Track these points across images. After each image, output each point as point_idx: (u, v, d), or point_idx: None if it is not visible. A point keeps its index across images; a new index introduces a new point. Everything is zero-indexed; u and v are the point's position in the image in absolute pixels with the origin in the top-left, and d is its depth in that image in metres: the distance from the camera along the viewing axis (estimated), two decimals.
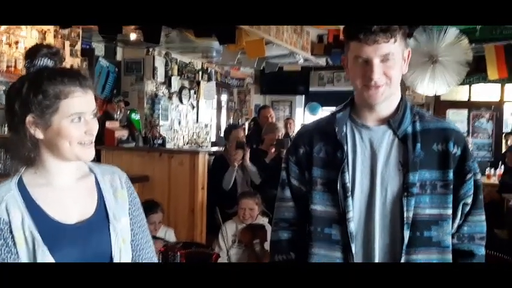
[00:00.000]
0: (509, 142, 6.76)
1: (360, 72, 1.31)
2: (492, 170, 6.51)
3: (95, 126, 1.22)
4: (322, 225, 1.39)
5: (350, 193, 1.35)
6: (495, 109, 8.39)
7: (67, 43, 5.35)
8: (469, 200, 1.37)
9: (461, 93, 8.40)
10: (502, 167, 6.25)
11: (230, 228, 3.52)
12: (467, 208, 1.37)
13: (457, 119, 8.51)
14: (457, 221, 1.37)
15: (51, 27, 5.13)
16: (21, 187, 1.19)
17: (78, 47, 5.55)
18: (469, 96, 8.49)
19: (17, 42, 4.73)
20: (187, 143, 8.23)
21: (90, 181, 1.29)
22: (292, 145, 1.51)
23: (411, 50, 1.42)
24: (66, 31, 5.15)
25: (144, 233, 1.33)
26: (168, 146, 6.73)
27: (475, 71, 6.40)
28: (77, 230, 1.21)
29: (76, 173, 1.27)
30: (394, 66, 1.30)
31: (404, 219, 1.31)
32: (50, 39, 5.13)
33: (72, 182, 1.25)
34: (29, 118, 1.17)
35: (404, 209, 1.31)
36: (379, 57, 1.28)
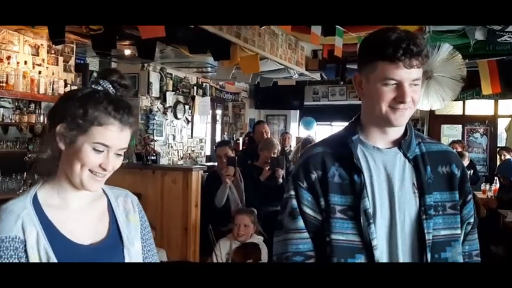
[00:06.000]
0: (503, 157, 6.75)
1: (389, 95, 1.28)
2: (487, 186, 6.47)
3: (112, 164, 1.20)
4: (345, 256, 1.28)
5: (372, 219, 1.29)
6: (489, 124, 8.43)
7: (60, 58, 5.32)
8: (472, 220, 1.39)
9: (456, 108, 8.45)
10: (498, 182, 6.24)
11: (224, 247, 3.48)
12: (469, 228, 1.39)
13: (451, 133, 8.54)
14: (460, 240, 1.38)
15: (45, 42, 5.09)
16: (36, 205, 1.19)
17: (72, 62, 5.52)
18: (463, 111, 8.55)
19: (9, 57, 4.63)
20: (181, 158, 8.17)
21: (103, 203, 1.30)
22: (300, 170, 1.37)
23: None
24: (59, 46, 5.11)
25: (153, 257, 1.35)
26: (163, 161, 6.69)
27: (469, 86, 6.42)
28: (92, 251, 1.21)
29: (90, 195, 1.27)
30: (418, 91, 1.31)
31: (426, 241, 1.29)
32: (43, 55, 5.09)
33: (86, 203, 1.26)
34: (60, 127, 1.19)
35: (425, 231, 1.29)
36: (410, 80, 1.28)
